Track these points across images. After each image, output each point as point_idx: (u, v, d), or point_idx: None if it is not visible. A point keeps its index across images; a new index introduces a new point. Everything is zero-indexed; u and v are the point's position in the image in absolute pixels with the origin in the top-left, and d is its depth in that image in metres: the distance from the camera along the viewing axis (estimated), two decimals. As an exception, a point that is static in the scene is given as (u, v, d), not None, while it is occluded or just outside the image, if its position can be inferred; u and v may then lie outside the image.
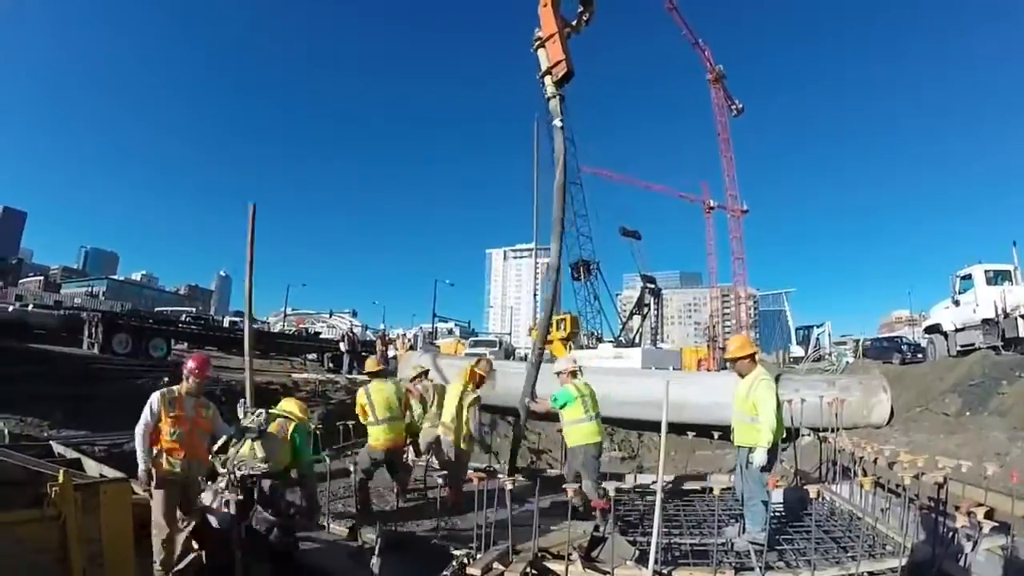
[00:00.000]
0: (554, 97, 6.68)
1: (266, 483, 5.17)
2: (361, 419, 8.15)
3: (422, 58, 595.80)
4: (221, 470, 5.56)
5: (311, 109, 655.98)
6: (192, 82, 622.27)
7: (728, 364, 7.14)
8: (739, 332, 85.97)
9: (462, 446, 8.16)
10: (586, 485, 7.22)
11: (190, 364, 5.86)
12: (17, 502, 3.70)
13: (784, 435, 6.94)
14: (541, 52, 7.04)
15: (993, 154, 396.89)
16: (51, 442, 7.34)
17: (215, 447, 5.59)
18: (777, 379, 13.22)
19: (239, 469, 5.22)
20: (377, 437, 7.80)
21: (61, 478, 3.72)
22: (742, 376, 6.84)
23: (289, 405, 6.28)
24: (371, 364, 8.79)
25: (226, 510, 5.09)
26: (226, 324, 36.19)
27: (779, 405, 6.52)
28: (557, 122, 6.57)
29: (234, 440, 5.49)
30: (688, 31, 71.40)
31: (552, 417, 15.56)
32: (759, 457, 6.18)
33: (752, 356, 6.95)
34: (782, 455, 7.17)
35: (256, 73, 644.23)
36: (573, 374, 8.01)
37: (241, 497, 4.97)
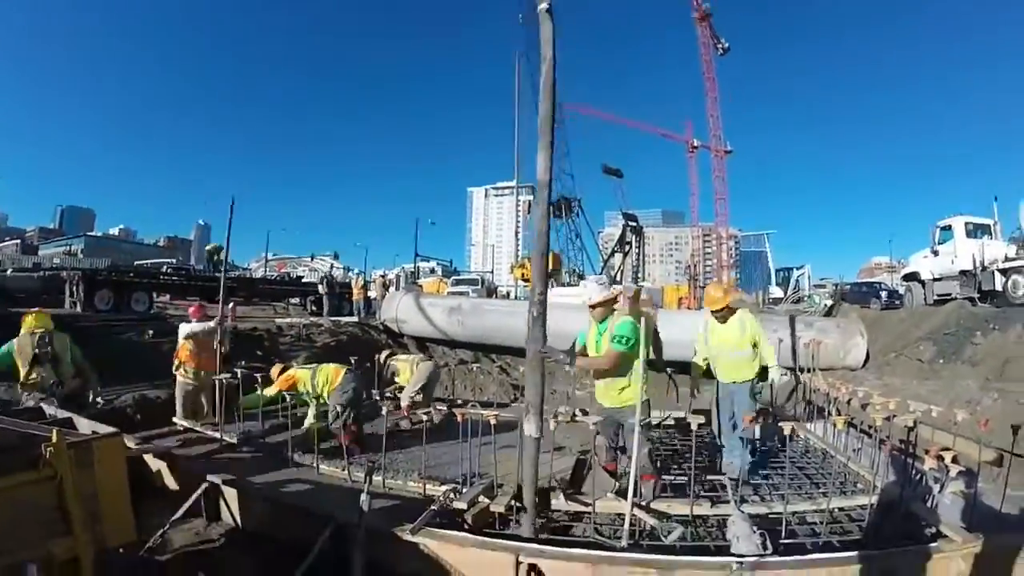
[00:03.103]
0: None
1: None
2: None
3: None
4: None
5: (287, 55, 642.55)
6: (162, 33, 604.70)
7: (714, 314, 7.20)
8: (719, 275, 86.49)
9: None
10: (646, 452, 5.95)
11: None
12: (12, 466, 3.74)
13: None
14: None
15: (980, 108, 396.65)
16: (41, 404, 7.40)
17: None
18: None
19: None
20: None
21: (54, 438, 3.76)
22: (722, 321, 7.13)
23: (40, 320, 7.61)
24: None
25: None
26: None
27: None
28: (543, 5, 5.84)
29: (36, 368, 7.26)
30: (674, -33, 70.33)
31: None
32: (778, 374, 7.02)
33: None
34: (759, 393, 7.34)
35: (229, 23, 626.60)
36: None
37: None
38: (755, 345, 6.98)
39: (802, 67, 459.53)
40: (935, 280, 19.80)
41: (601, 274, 34.25)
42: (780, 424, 5.72)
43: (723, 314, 7.11)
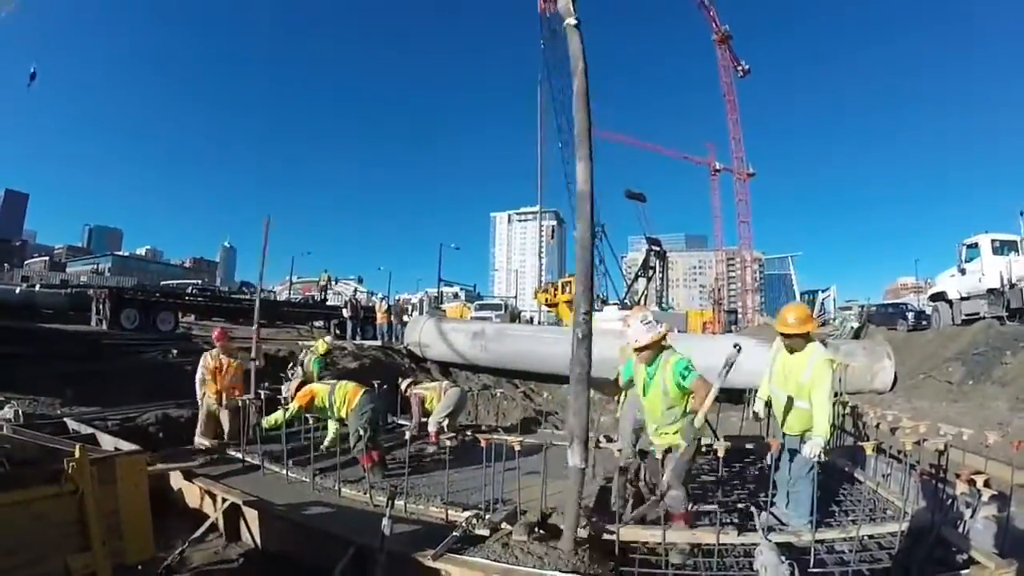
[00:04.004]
0: None
1: None
2: None
3: (425, 22, 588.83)
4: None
5: (312, 78, 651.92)
6: (186, 53, 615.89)
7: (783, 339, 5.85)
8: (743, 299, 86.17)
9: None
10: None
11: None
12: (35, 479, 3.77)
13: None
14: None
15: (1006, 123, 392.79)
16: (65, 419, 7.45)
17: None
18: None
19: None
20: None
21: (77, 453, 3.79)
22: (792, 351, 5.80)
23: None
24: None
25: None
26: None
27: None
28: (571, 20, 5.48)
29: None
30: (694, -9, 71.04)
31: (557, 379, 15.68)
32: (814, 449, 5.24)
33: (809, 333, 5.87)
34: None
35: (253, 43, 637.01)
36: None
37: None
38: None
39: (824, 88, 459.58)
40: (962, 299, 19.57)
41: (625, 299, 34.15)
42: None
43: (794, 342, 5.75)
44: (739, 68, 75.91)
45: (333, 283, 34.07)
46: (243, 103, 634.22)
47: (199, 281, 50.81)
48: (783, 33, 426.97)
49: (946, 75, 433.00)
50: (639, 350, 5.30)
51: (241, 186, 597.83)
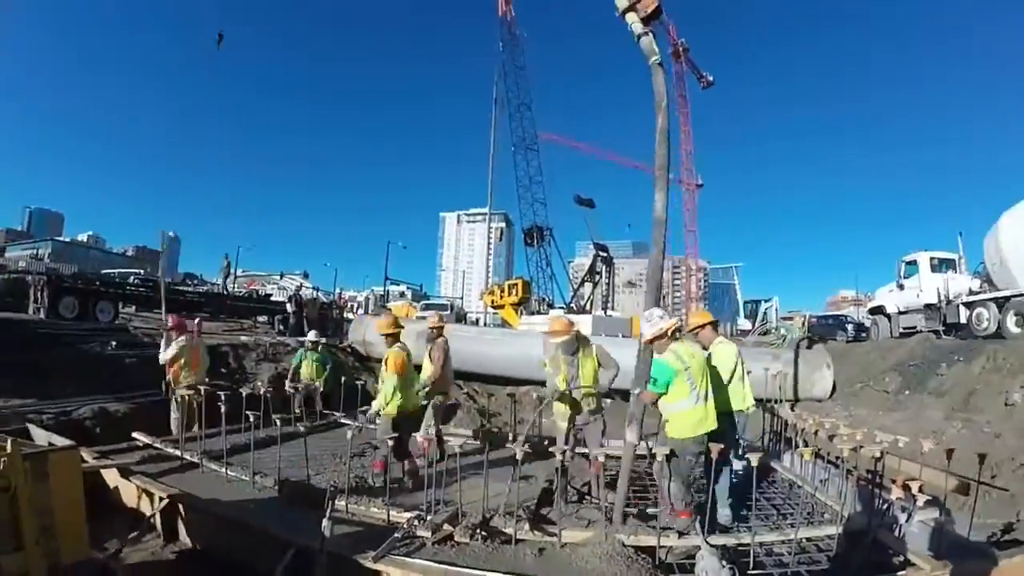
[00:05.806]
0: (645, 34, 5.86)
1: None
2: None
3: (376, 17, 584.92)
4: None
5: (261, 72, 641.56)
6: (135, 36, 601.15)
7: (691, 336, 6.85)
8: (688, 306, 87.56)
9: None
10: (673, 487, 5.74)
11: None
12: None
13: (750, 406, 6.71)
14: None
15: (946, 144, 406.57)
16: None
17: None
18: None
19: None
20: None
21: (9, 448, 3.66)
22: (706, 348, 6.65)
23: None
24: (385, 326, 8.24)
25: None
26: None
27: (736, 368, 6.67)
28: (655, 59, 5.74)
29: None
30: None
31: (506, 381, 15.66)
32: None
33: (712, 324, 7.23)
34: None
35: (201, 39, 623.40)
36: (673, 336, 5.85)
37: None
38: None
39: (771, 103, 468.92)
40: (900, 313, 20.21)
41: (571, 303, 34.29)
42: (748, 455, 5.67)
43: (701, 338, 7.04)
44: (702, 79, 75.99)
45: (233, 270, 33.66)
46: (192, 93, 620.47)
47: (141, 271, 49.24)
48: (739, 47, 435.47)
49: (891, 98, 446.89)
50: (648, 342, 5.75)
51: (186, 174, 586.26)
